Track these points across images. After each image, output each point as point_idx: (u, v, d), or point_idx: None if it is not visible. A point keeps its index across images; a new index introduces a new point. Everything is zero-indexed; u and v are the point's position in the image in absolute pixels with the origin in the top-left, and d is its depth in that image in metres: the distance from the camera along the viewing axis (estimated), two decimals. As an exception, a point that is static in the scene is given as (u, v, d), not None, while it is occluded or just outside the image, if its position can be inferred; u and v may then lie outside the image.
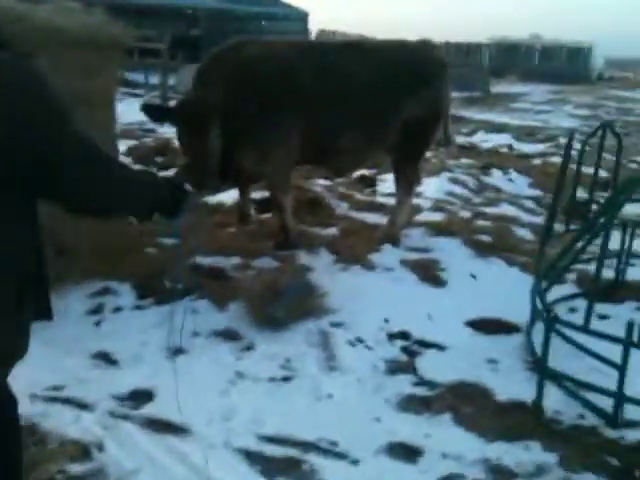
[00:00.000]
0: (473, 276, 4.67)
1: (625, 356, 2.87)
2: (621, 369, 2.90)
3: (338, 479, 2.50)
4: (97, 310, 3.71)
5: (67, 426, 2.63)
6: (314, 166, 5.82)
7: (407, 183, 5.28)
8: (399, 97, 4.90)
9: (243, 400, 2.95)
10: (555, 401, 3.08)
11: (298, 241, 4.97)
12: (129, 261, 4.16)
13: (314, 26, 34.56)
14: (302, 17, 29.99)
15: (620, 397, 2.92)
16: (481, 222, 5.87)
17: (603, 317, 3.97)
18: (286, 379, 3.18)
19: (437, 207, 6.28)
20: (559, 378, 3.17)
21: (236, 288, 4.04)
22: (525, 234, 5.70)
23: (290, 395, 3.04)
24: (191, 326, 3.39)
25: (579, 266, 4.35)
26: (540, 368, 3.13)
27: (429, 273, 4.64)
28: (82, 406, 2.80)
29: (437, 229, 5.51)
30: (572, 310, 4.03)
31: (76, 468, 2.41)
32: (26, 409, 2.69)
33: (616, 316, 3.92)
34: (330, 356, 3.45)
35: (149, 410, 2.83)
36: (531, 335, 3.64)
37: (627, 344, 2.87)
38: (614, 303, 4.17)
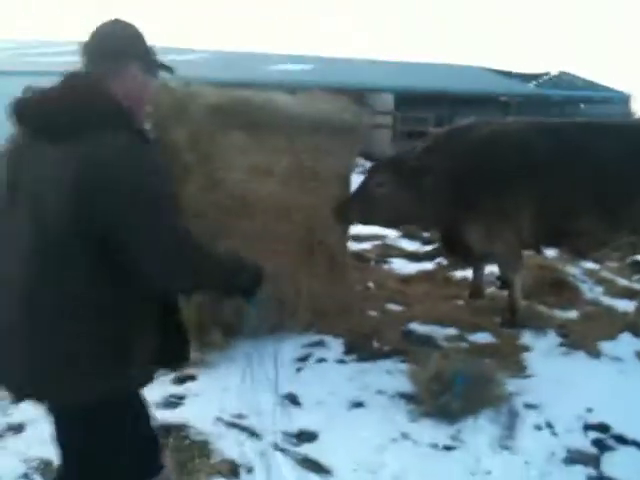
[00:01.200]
0: None
1: None
2: None
3: None
4: (303, 359, 4.12)
5: (232, 447, 3.01)
6: (552, 247, 5.57)
7: None
8: None
9: (395, 458, 3.01)
10: None
11: (526, 321, 4.80)
12: (345, 319, 4.53)
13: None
14: (624, 100, 28.27)
15: None
16: None
17: None
18: (449, 448, 3.14)
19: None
20: None
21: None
22: None
23: (445, 463, 3.00)
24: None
25: None
26: None
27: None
28: (252, 434, 3.17)
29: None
30: None
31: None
32: (208, 429, 3.18)
33: None
34: (507, 435, 3.29)
35: (306, 449, 3.07)
36: None
37: None
38: None
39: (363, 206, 4.52)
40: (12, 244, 1.71)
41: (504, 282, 5.69)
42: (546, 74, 28.67)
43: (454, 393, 3.40)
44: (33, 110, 1.73)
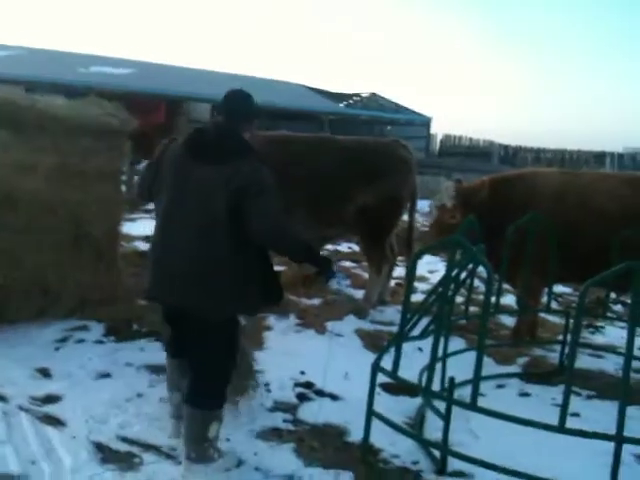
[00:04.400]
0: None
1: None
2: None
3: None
4: (63, 340, 4.58)
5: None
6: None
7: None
8: None
9: (125, 412, 3.61)
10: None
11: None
12: (110, 307, 5.03)
13: (439, 131, 35.39)
14: (425, 122, 31.13)
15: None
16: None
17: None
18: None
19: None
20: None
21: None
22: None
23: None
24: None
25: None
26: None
27: (376, 341, 5.07)
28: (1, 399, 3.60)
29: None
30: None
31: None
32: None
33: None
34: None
35: (48, 409, 3.57)
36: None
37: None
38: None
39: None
40: (182, 222, 2.95)
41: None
42: (357, 95, 30.77)
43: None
44: (200, 145, 3.05)
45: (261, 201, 2.92)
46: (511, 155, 31.64)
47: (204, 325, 3.03)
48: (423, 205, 17.63)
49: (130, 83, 19.92)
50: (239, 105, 3.23)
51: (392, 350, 3.52)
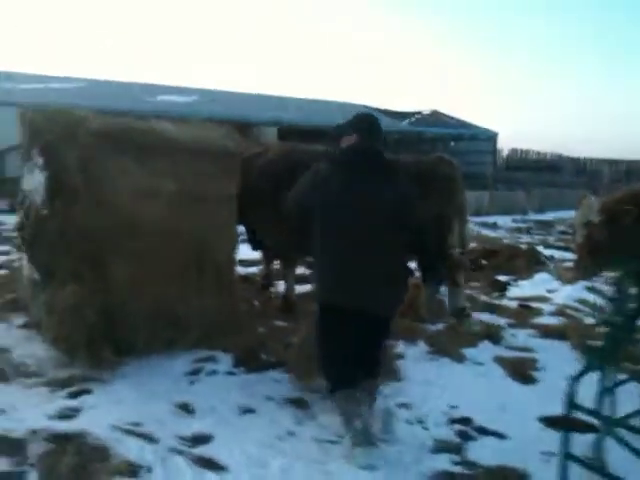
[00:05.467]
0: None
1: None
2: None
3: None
4: (195, 372, 4.32)
5: (130, 451, 3.17)
6: None
7: None
8: None
9: (282, 453, 3.30)
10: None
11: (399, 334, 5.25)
12: (234, 337, 4.77)
13: (505, 145, 34.73)
14: (491, 137, 30.53)
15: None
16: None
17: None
18: (334, 442, 3.47)
19: (560, 312, 6.20)
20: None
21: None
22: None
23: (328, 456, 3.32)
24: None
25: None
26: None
27: (520, 370, 4.66)
28: (149, 439, 3.34)
29: (548, 332, 5.48)
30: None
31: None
32: (106, 435, 3.31)
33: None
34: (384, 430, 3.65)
35: (201, 450, 3.29)
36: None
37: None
38: None
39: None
40: (364, 236, 3.35)
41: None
42: (418, 112, 30.46)
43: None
44: (359, 164, 3.42)
45: (416, 213, 3.57)
46: (582, 167, 30.67)
47: (382, 320, 3.58)
48: (503, 220, 17.19)
49: (196, 109, 20.11)
50: (378, 127, 3.61)
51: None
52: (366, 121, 3.60)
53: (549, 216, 20.24)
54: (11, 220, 11.92)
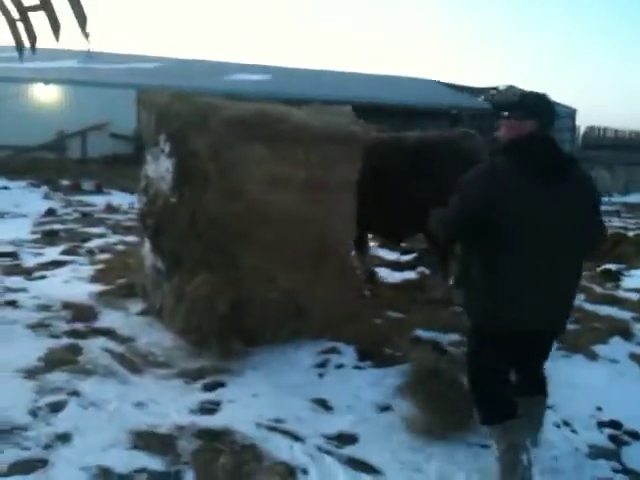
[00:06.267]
0: None
1: None
2: None
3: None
4: (322, 364, 4.22)
5: (280, 451, 3.09)
6: None
7: None
8: None
9: (436, 458, 3.16)
10: None
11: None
12: (355, 327, 4.64)
13: (583, 123, 33.42)
14: (570, 114, 29.39)
15: None
16: None
17: None
18: (484, 446, 3.30)
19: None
20: None
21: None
22: None
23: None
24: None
25: None
26: None
27: (659, 368, 4.38)
28: (296, 438, 3.26)
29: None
30: None
31: (283, 485, 2.85)
32: (252, 433, 3.25)
33: None
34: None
35: (349, 450, 3.18)
36: None
37: None
38: None
39: None
40: (557, 247, 2.74)
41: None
42: (494, 88, 29.55)
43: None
44: (542, 162, 2.73)
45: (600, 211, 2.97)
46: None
47: (552, 339, 3.17)
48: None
49: (270, 88, 20.04)
50: (552, 112, 2.97)
51: None
52: (545, 104, 2.91)
53: (636, 198, 19.35)
54: (99, 201, 12.23)
